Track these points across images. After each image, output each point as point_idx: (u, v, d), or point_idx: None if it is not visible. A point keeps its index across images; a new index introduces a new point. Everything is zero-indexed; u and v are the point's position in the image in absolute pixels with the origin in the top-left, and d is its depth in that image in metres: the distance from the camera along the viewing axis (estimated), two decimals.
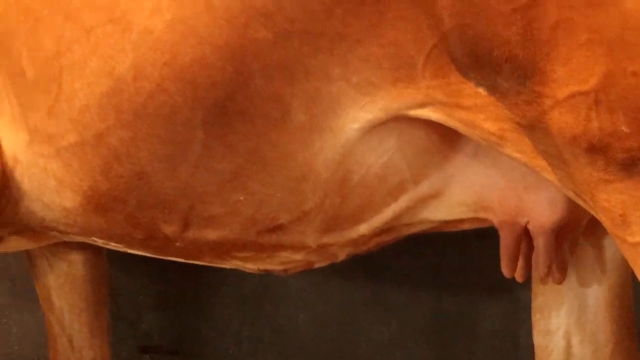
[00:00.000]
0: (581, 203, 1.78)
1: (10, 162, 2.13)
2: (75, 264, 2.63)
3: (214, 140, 1.92)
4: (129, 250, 2.31)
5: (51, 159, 2.05)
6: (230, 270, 2.41)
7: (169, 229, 2.09)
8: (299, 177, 1.94)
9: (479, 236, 2.37)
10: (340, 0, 1.75)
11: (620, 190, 1.63)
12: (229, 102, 1.87)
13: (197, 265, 2.37)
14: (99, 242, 2.30)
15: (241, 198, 1.99)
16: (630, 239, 1.65)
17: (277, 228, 2.04)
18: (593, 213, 1.78)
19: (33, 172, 2.12)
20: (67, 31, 1.94)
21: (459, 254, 2.99)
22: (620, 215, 1.65)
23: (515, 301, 2.83)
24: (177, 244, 2.14)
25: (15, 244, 2.42)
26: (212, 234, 2.09)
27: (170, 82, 1.87)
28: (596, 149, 1.62)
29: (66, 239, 2.38)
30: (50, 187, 2.11)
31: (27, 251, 2.65)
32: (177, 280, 3.06)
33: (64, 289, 2.63)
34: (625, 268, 2.18)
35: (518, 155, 1.78)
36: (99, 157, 1.99)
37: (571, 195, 1.78)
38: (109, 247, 2.34)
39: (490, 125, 1.75)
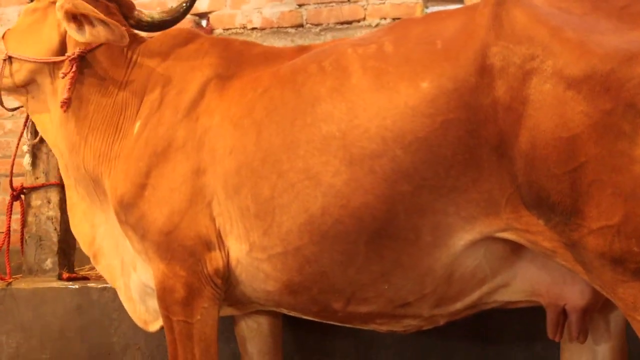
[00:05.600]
0: (604, 293, 1.97)
1: (233, 263, 2.38)
2: (262, 324, 2.88)
3: (372, 253, 2.16)
4: (302, 316, 2.49)
5: (263, 262, 2.30)
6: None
7: (337, 306, 2.30)
8: (423, 274, 2.17)
9: None
10: (451, 168, 2.02)
11: (632, 287, 1.87)
12: (382, 230, 2.11)
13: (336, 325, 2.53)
14: (284, 311, 2.50)
15: (386, 287, 2.21)
16: (639, 318, 1.89)
17: (406, 304, 2.25)
18: (612, 300, 1.95)
19: (249, 269, 2.35)
20: (279, 184, 2.21)
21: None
22: (632, 302, 1.88)
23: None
24: (340, 314, 2.34)
25: (229, 311, 2.64)
26: (364, 309, 2.30)
27: (345, 217, 2.13)
28: (617, 261, 1.86)
29: (261, 308, 2.58)
30: (259, 278, 2.35)
31: (233, 315, 2.84)
32: (324, 335, 3.18)
33: (254, 340, 2.89)
34: (623, 334, 2.36)
35: (564, 263, 2.00)
36: (296, 262, 2.24)
37: (598, 288, 1.98)
38: (289, 314, 2.54)
39: (547, 244, 1.99)
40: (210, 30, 5.20)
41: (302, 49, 2.59)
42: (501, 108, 1.97)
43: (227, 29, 5.28)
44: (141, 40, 2.82)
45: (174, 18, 2.99)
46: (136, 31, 2.90)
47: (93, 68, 2.71)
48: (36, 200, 3.52)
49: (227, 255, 2.40)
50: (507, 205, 2.03)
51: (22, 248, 3.57)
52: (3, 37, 2.91)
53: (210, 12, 5.33)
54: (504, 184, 2.01)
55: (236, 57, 2.61)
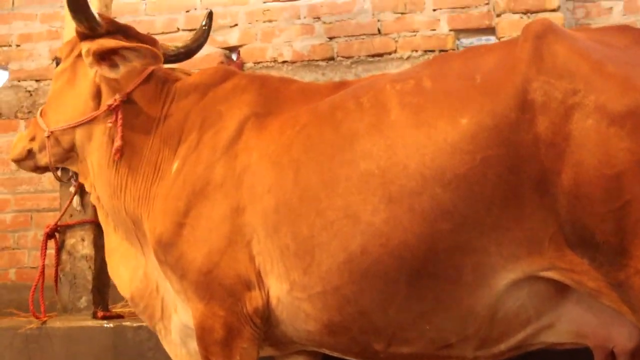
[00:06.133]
0: None
1: (274, 302, 2.38)
2: None
3: (412, 292, 2.16)
4: (344, 357, 2.48)
5: (303, 301, 2.30)
6: None
7: (378, 347, 2.29)
8: (465, 314, 2.16)
9: None
10: (492, 206, 2.02)
11: None
12: (423, 269, 2.11)
13: None
14: (326, 351, 2.49)
15: (427, 327, 2.21)
16: None
17: (448, 346, 2.24)
18: None
19: (290, 308, 2.35)
20: (318, 223, 2.22)
21: None
22: None
23: None
24: (381, 355, 2.33)
25: (269, 351, 2.64)
26: (405, 350, 2.29)
27: (385, 256, 2.13)
28: None
29: (302, 349, 2.58)
30: (300, 318, 2.35)
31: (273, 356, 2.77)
32: None
33: None
34: None
35: (610, 303, 1.99)
36: (335, 301, 2.24)
37: None
38: (330, 354, 2.52)
39: (592, 284, 1.98)
40: (241, 64, 5.26)
41: (340, 85, 2.62)
42: (543, 144, 1.97)
43: (258, 63, 5.34)
44: (175, 78, 2.86)
45: (199, 43, 3.13)
46: (168, 68, 2.94)
47: (130, 111, 2.75)
48: (70, 238, 3.56)
49: (267, 295, 2.40)
50: (550, 244, 2.02)
51: (56, 286, 3.60)
52: (41, 114, 2.97)
53: (240, 46, 5.40)
54: (547, 222, 2.00)
55: (274, 94, 2.64)
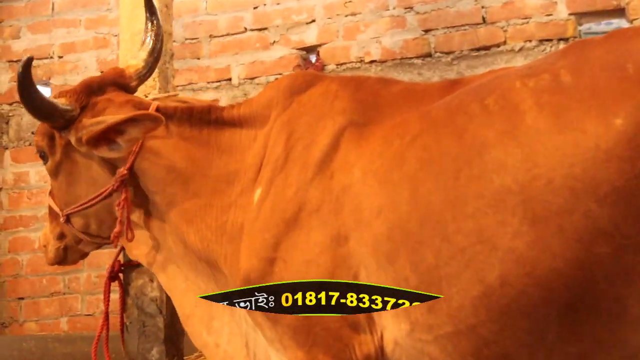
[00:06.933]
0: None
1: (390, 346, 2.34)
2: None
3: (566, 330, 2.09)
4: None
5: (429, 344, 2.25)
6: None
7: None
8: (631, 355, 2.10)
9: None
10: None
11: None
12: (578, 301, 2.05)
13: None
14: None
15: None
16: None
17: None
18: None
19: (411, 352, 2.31)
20: (444, 250, 2.18)
21: None
22: None
23: None
24: None
25: None
26: None
27: (531, 288, 2.07)
28: None
29: None
30: None
31: None
32: None
33: None
34: None
35: None
36: (470, 343, 2.19)
37: None
38: None
39: None
40: (321, 67, 5.27)
41: (454, 84, 2.58)
42: None
43: (341, 64, 5.34)
44: (206, 107, 2.93)
45: (161, 36, 3.17)
46: (170, 97, 3.08)
47: (155, 164, 2.86)
48: (137, 279, 3.55)
49: (381, 338, 2.36)
50: None
51: (122, 335, 3.59)
52: (50, 195, 3.13)
53: (319, 45, 5.42)
54: None
55: (372, 99, 2.61)
